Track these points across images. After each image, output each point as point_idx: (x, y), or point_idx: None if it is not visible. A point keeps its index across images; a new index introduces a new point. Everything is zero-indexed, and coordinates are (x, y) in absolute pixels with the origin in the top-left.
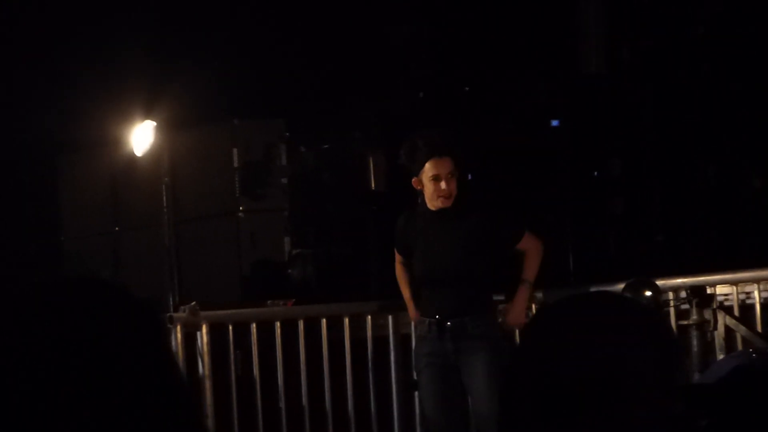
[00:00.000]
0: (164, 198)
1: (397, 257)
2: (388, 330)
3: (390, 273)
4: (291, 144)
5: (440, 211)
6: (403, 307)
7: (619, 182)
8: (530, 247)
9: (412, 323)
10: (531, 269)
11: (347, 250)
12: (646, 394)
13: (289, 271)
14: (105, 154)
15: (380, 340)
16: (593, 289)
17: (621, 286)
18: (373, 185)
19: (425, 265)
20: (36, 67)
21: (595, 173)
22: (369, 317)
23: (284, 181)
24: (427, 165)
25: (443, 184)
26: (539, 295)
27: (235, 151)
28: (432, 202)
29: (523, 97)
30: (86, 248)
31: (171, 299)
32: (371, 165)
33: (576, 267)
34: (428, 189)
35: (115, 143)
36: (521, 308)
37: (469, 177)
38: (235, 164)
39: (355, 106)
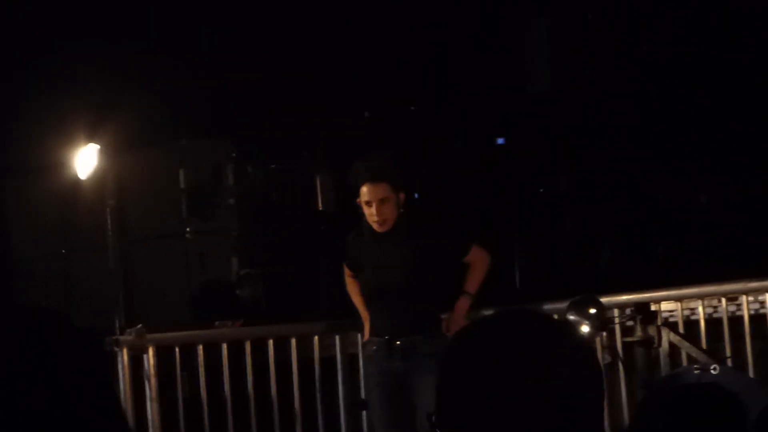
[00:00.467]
0: (108, 220)
1: (346, 271)
2: (335, 350)
3: (339, 293)
4: (238, 164)
5: (388, 230)
6: (350, 327)
7: (566, 199)
8: (477, 259)
9: (360, 342)
10: (473, 281)
11: (296, 270)
12: (573, 417)
13: (238, 291)
14: (51, 178)
15: (327, 360)
16: (540, 306)
17: (566, 303)
18: (320, 205)
19: (372, 283)
20: None
21: (542, 190)
22: (316, 338)
23: (232, 201)
24: (362, 189)
25: (374, 210)
26: (486, 312)
27: (181, 172)
28: (371, 225)
29: (469, 115)
30: (36, 271)
31: (117, 322)
32: (318, 185)
33: (523, 284)
34: (365, 212)
35: (60, 167)
36: (459, 319)
37: (416, 196)
38: (182, 185)
39: (302, 126)
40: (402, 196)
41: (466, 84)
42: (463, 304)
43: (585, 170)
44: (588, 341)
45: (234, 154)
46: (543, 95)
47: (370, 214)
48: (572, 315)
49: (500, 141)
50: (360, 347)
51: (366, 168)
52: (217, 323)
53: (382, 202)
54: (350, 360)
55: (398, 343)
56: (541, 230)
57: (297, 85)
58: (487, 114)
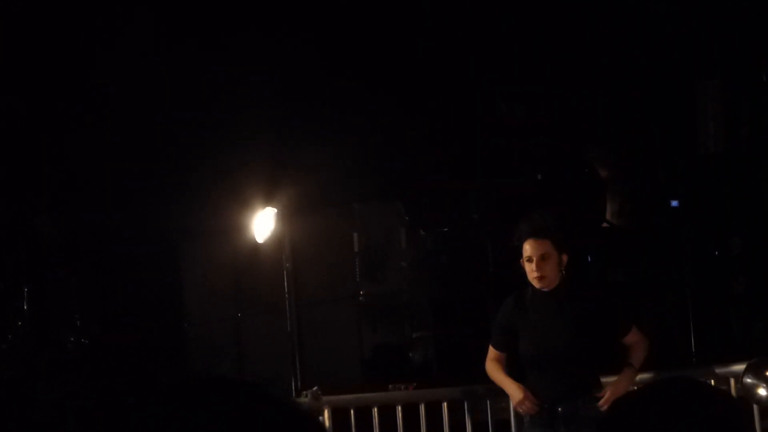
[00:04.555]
0: (286, 283)
1: (490, 354)
2: (509, 413)
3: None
4: (410, 227)
5: (550, 292)
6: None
7: (740, 261)
8: (636, 341)
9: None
10: (637, 358)
11: (467, 332)
12: None
13: (410, 354)
14: (226, 241)
15: (502, 424)
16: (715, 369)
17: (742, 366)
18: (491, 267)
19: (534, 346)
20: (158, 157)
21: (716, 252)
22: (488, 401)
23: (404, 264)
24: (525, 246)
25: (534, 266)
26: (656, 376)
27: (355, 235)
28: (532, 283)
29: (642, 177)
30: (209, 334)
31: (293, 383)
32: (489, 247)
33: (698, 347)
34: (526, 270)
35: (236, 230)
36: (623, 390)
37: (589, 259)
38: (356, 248)
39: (473, 189)
40: (564, 257)
41: (639, 146)
42: (628, 374)
43: (759, 231)
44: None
45: (406, 217)
46: (716, 156)
47: (531, 270)
48: (749, 378)
49: (674, 203)
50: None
51: (529, 225)
52: (390, 386)
53: (542, 258)
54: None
55: (560, 409)
56: (716, 293)
57: (467, 147)
58: (660, 176)
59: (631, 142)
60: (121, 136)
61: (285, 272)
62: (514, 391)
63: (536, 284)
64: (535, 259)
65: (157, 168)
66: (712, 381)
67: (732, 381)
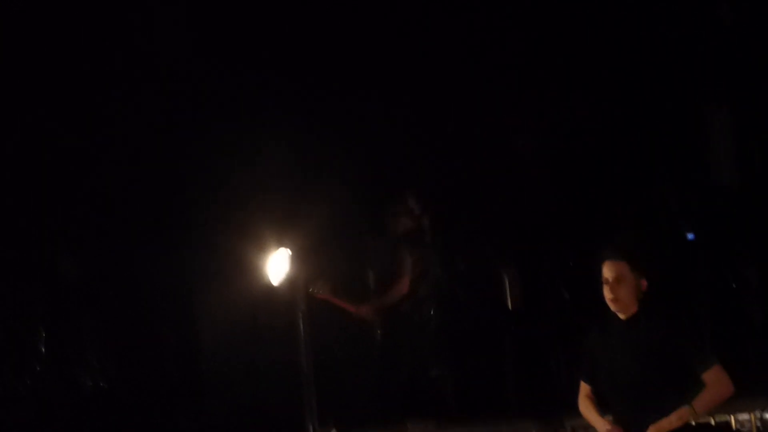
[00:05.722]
0: (301, 325)
1: (581, 389)
2: None
3: (527, 391)
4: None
5: (628, 321)
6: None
7: (757, 292)
8: (712, 382)
9: None
10: (704, 401)
11: (485, 367)
12: None
13: (428, 391)
14: (242, 282)
15: None
16: (734, 402)
17: (761, 399)
18: (509, 303)
19: (609, 377)
20: (170, 199)
21: (733, 284)
22: None
23: (420, 299)
24: (603, 268)
25: (608, 288)
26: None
27: (370, 273)
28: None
29: (656, 210)
30: (225, 375)
31: (310, 425)
32: (506, 283)
33: None
34: (605, 294)
35: (251, 271)
36: (667, 428)
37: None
38: (372, 285)
39: (487, 224)
40: (644, 283)
41: (652, 179)
42: (681, 415)
43: None
44: None
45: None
46: (729, 187)
47: (606, 293)
48: None
49: (690, 237)
50: None
51: (608, 247)
52: (409, 425)
53: (617, 281)
54: None
55: None
56: (733, 325)
57: (479, 183)
58: (675, 209)
59: (645, 175)
60: (136, 178)
61: (300, 314)
62: (597, 422)
63: (611, 307)
64: (610, 280)
65: (171, 211)
66: (731, 416)
67: (752, 416)
